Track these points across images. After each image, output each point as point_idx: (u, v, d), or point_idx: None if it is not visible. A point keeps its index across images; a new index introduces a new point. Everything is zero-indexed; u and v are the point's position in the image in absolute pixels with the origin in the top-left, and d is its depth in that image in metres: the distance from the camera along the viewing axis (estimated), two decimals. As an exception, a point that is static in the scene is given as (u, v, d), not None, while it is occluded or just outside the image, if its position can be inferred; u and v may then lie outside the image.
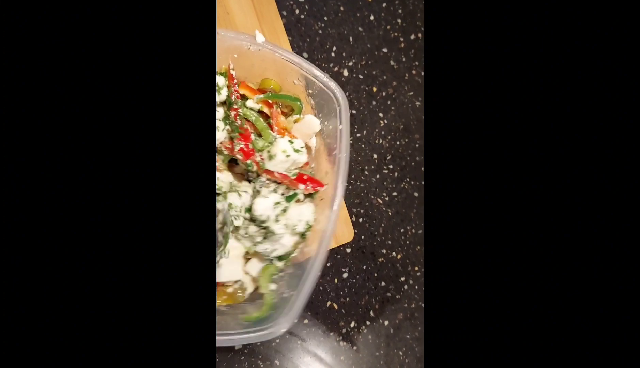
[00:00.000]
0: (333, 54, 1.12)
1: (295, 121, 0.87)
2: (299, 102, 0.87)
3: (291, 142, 0.82)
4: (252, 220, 0.82)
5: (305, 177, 0.83)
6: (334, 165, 0.81)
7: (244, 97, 0.86)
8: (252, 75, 0.88)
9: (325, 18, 1.11)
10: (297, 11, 1.08)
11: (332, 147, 0.84)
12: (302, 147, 0.83)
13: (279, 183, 0.85)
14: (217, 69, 0.84)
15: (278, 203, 0.81)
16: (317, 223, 0.84)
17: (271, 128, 0.86)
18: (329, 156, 0.85)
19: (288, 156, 0.80)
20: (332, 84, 0.81)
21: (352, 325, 1.06)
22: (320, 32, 1.11)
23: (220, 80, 0.82)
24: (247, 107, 0.85)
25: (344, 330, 1.05)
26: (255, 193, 0.84)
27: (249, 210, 0.83)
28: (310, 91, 0.85)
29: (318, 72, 0.81)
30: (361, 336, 1.06)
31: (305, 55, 1.08)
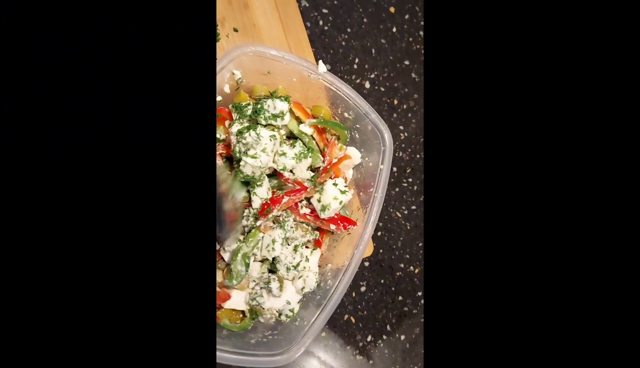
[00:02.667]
0: (355, 66, 1.11)
1: (339, 149, 0.88)
2: (346, 131, 0.88)
3: (335, 184, 0.82)
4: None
5: (336, 216, 0.83)
6: (368, 202, 0.82)
7: (298, 119, 0.86)
8: (306, 99, 0.89)
9: (349, 30, 1.11)
10: (321, 22, 1.08)
11: (368, 183, 0.85)
12: (345, 186, 0.83)
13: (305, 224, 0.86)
14: (280, 93, 0.85)
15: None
16: (338, 256, 0.85)
17: (323, 155, 0.87)
18: (362, 191, 0.87)
19: (341, 202, 0.81)
20: (382, 126, 0.83)
21: (369, 339, 1.05)
22: (343, 43, 1.10)
23: (283, 106, 0.82)
24: (300, 130, 0.86)
25: (360, 344, 1.05)
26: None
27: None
28: (358, 125, 0.87)
29: (371, 111, 0.83)
30: (377, 350, 1.06)
31: (328, 66, 1.08)
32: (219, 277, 0.82)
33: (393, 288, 1.08)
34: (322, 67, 0.82)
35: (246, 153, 0.78)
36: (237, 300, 0.81)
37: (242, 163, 0.77)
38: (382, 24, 1.14)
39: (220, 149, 0.85)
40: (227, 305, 0.80)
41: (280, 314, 0.82)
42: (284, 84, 0.87)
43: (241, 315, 0.83)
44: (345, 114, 0.87)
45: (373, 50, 1.13)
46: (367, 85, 1.12)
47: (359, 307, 1.05)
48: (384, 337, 1.06)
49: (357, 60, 1.11)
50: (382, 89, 1.13)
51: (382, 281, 1.08)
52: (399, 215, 1.11)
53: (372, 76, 1.12)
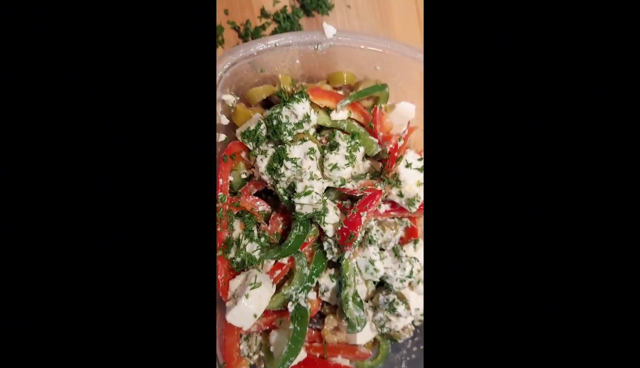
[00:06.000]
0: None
1: (386, 109, 0.69)
2: (386, 89, 0.67)
3: (408, 165, 0.63)
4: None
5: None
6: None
7: (325, 109, 0.66)
8: (317, 75, 0.68)
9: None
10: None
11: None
12: (420, 158, 0.65)
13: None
14: (284, 83, 0.65)
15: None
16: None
17: (374, 134, 0.67)
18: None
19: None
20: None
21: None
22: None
23: (304, 106, 0.61)
24: (333, 120, 0.66)
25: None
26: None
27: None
28: (398, 73, 0.67)
29: (410, 51, 0.64)
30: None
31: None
32: (332, 323, 0.69)
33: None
34: (330, 30, 0.60)
35: (294, 191, 0.60)
36: (363, 335, 0.69)
37: (297, 207, 0.60)
38: None
39: (252, 189, 0.66)
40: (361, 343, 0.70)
41: (413, 322, 0.71)
42: (283, 71, 0.65)
43: (371, 342, 0.72)
44: (378, 67, 0.66)
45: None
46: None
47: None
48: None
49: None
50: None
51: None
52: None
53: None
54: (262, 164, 0.62)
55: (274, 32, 0.82)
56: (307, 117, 0.61)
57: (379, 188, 0.63)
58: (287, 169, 0.60)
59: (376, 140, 0.67)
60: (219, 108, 0.60)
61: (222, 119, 0.63)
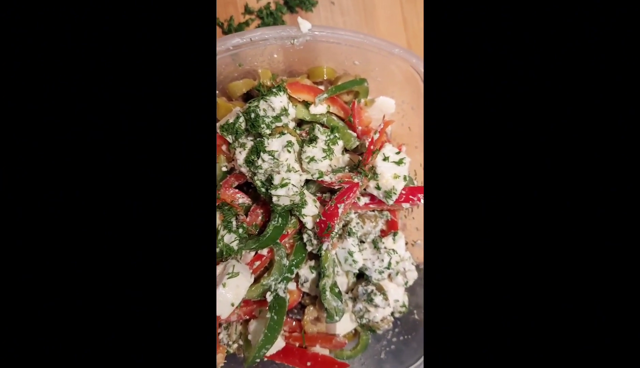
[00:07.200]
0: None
1: (366, 104, 0.70)
2: (365, 84, 0.68)
3: (386, 158, 0.64)
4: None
5: (404, 192, 0.66)
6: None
7: (304, 103, 0.67)
8: (298, 69, 0.69)
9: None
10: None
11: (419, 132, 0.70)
12: (397, 152, 0.65)
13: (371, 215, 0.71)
14: (263, 77, 0.66)
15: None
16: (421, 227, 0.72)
17: (352, 128, 0.68)
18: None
19: (405, 178, 0.64)
20: (411, 57, 0.65)
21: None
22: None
23: (282, 100, 0.62)
24: (312, 114, 0.67)
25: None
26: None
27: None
28: (376, 68, 0.68)
29: (389, 46, 0.64)
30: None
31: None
32: (312, 314, 0.70)
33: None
34: (306, 25, 0.61)
35: (271, 183, 0.61)
36: (343, 325, 0.71)
37: (274, 199, 0.61)
38: None
39: (233, 182, 0.68)
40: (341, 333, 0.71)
41: (393, 314, 0.72)
42: (263, 66, 0.66)
43: (352, 332, 0.74)
44: (356, 62, 0.67)
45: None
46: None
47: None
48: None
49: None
50: None
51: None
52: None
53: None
54: (241, 156, 0.63)
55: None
56: (284, 111, 0.62)
57: (356, 180, 0.64)
58: (264, 161, 0.61)
59: (355, 134, 0.68)
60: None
61: (202, 112, 0.64)
